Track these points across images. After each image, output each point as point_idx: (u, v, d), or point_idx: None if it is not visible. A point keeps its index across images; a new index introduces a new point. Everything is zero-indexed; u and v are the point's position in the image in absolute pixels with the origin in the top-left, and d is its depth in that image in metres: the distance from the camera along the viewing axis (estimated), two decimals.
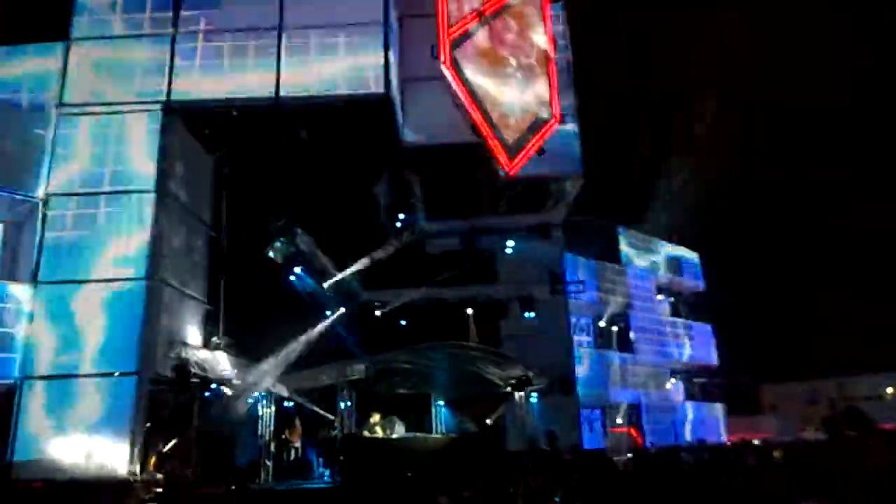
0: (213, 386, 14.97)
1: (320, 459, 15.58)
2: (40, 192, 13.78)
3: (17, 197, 13.67)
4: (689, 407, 28.73)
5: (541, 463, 16.67)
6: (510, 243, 20.32)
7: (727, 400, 31.53)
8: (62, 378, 12.75)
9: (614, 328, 25.10)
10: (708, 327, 30.90)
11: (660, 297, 28.89)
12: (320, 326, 18.10)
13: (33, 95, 14.53)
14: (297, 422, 16.26)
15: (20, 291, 13.25)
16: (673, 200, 28.33)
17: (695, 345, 29.55)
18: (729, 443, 27.35)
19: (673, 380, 28.13)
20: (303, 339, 16.89)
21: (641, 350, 26.10)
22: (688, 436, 26.76)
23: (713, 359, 30.61)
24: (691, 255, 31.34)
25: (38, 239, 13.56)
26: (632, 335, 25.74)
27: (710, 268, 31.62)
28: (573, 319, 22.59)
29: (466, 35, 16.00)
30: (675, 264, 29.90)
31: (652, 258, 28.51)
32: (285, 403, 16.60)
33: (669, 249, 29.95)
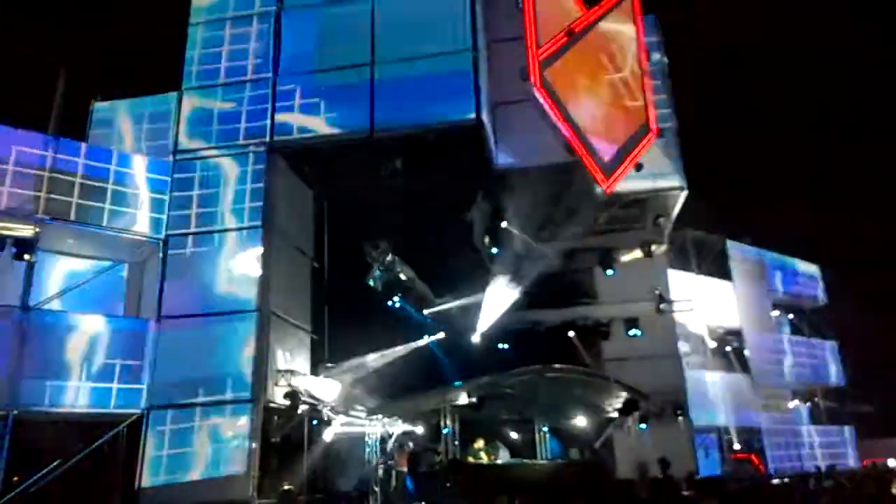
0: (322, 412, 15.37)
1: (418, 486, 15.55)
2: (161, 234, 14.80)
3: (141, 239, 14.74)
4: (815, 431, 26.71)
5: (655, 492, 15.98)
6: (611, 262, 19.77)
7: (857, 422, 29.08)
8: (184, 407, 13.51)
9: (728, 348, 23.78)
10: (832, 344, 28.74)
11: (776, 313, 27.17)
12: (421, 352, 18.31)
13: (152, 143, 15.79)
14: (407, 447, 16.39)
15: (144, 326, 14.20)
16: (787, 211, 26.75)
17: (818, 363, 27.52)
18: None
19: (795, 402, 26.25)
20: (404, 365, 17.12)
21: (758, 370, 24.51)
22: (817, 461, 24.85)
23: (839, 378, 28.40)
24: (810, 268, 29.36)
25: (159, 276, 14.55)
26: (747, 355, 24.29)
27: (833, 281, 29.46)
28: (682, 339, 21.67)
29: (557, 54, 15.84)
30: (793, 278, 28.08)
31: (766, 272, 26.89)
32: (391, 429, 16.79)
33: (786, 262, 28.19)
